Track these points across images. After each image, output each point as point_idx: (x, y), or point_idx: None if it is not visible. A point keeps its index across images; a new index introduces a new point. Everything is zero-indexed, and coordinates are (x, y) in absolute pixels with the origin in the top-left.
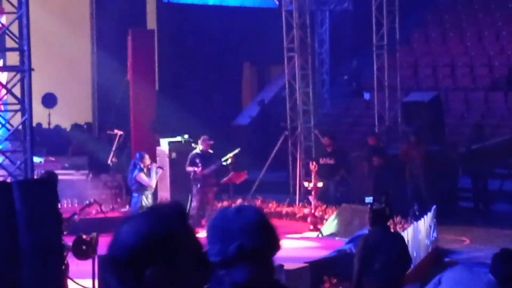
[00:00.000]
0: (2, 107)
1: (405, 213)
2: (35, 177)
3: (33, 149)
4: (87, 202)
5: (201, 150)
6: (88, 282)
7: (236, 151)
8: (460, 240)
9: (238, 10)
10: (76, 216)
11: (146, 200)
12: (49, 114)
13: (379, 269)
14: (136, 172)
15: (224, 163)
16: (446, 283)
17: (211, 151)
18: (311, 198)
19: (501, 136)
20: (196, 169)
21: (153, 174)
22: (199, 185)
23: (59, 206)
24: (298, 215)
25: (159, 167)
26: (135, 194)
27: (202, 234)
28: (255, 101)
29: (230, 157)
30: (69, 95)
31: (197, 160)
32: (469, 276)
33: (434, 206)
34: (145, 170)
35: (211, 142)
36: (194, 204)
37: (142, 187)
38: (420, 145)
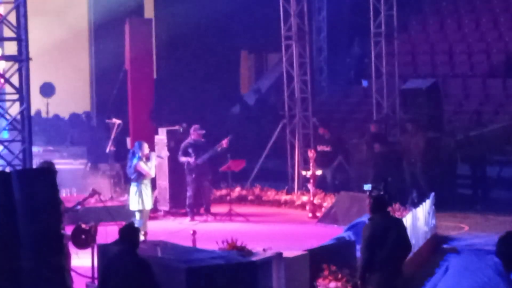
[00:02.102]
0: None
1: (403, 200)
2: (34, 166)
3: (31, 139)
4: (91, 191)
5: (193, 140)
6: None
7: (228, 137)
8: (458, 227)
9: None
10: (79, 206)
11: (146, 189)
12: (47, 104)
13: (385, 256)
14: (135, 161)
15: (218, 149)
16: (454, 270)
17: (203, 139)
18: (309, 185)
19: (499, 123)
20: (190, 159)
21: (152, 162)
22: (194, 175)
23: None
24: (296, 203)
25: (158, 156)
26: (134, 183)
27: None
28: (253, 89)
29: (223, 143)
30: (67, 85)
31: (190, 150)
32: (475, 261)
33: (433, 193)
34: (144, 159)
35: (203, 131)
36: (189, 193)
37: (141, 176)
38: (418, 133)
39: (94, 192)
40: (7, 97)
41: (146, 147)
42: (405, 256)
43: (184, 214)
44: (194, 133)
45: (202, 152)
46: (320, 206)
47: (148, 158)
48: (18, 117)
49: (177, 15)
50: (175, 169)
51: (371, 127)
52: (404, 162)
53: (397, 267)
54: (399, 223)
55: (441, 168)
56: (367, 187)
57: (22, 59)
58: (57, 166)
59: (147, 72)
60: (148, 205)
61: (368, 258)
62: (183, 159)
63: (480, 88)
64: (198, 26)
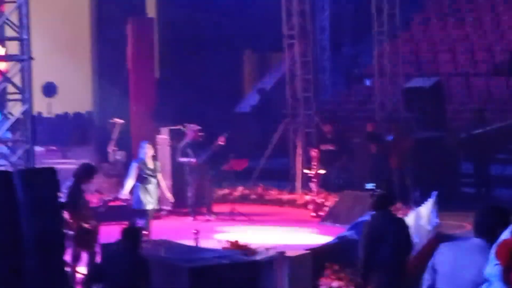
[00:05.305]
0: None
1: (406, 199)
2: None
3: (34, 139)
4: (118, 195)
5: (191, 140)
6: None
7: (225, 135)
8: (462, 226)
9: None
10: (103, 209)
11: (152, 189)
12: (50, 103)
13: (385, 255)
14: (133, 163)
15: (218, 145)
16: (442, 268)
17: (200, 139)
18: (312, 185)
19: (502, 121)
20: (191, 160)
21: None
22: (195, 175)
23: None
24: (299, 202)
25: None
26: (137, 183)
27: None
28: (256, 88)
29: (219, 141)
30: (69, 84)
31: (189, 151)
32: (459, 250)
33: (436, 192)
34: (147, 160)
35: (200, 132)
36: (190, 193)
37: (144, 176)
38: (405, 134)
39: (120, 197)
40: (9, 97)
41: (150, 148)
42: (407, 256)
43: (187, 214)
44: (191, 133)
45: (201, 152)
46: (323, 205)
47: (153, 159)
48: (21, 117)
49: (180, 15)
50: (178, 169)
51: (367, 126)
52: (392, 163)
53: (400, 267)
54: (400, 223)
55: (444, 166)
56: (370, 186)
57: (24, 58)
58: (59, 166)
59: (149, 71)
60: (153, 205)
61: (367, 256)
62: (182, 159)
63: (483, 86)
64: (201, 25)
